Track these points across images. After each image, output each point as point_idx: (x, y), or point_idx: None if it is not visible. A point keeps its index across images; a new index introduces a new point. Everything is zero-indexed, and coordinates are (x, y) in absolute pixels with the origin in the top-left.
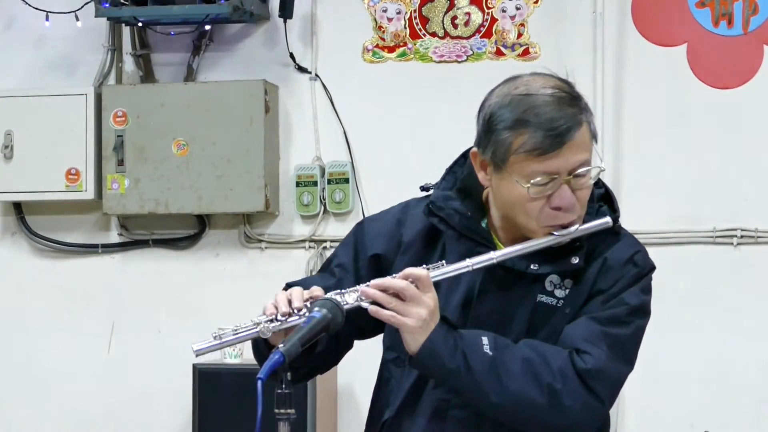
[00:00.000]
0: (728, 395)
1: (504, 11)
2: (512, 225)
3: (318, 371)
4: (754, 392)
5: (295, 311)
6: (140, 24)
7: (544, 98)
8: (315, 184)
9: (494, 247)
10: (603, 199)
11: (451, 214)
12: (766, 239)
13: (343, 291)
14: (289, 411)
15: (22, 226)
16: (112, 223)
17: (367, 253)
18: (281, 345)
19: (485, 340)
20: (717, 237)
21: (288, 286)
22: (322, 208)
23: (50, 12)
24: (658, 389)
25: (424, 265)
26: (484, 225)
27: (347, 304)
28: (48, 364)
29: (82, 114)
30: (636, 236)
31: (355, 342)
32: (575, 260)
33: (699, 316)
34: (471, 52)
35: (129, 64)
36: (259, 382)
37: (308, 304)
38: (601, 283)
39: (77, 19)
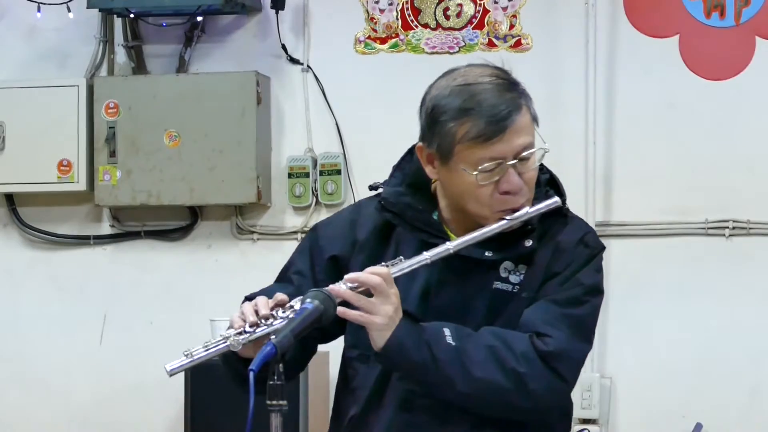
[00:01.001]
0: (720, 386)
1: (496, 2)
2: (463, 215)
3: (286, 379)
4: (746, 383)
5: (262, 321)
6: (132, 15)
7: (483, 86)
8: (307, 175)
9: (447, 238)
10: (549, 184)
11: (404, 208)
12: (758, 230)
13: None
14: (281, 402)
15: (14, 218)
16: (104, 214)
17: (324, 257)
18: (273, 337)
19: (447, 331)
20: (709, 228)
21: (247, 298)
22: (314, 199)
23: (42, 3)
24: (650, 380)
25: (384, 263)
26: (435, 217)
27: None
28: (40, 355)
29: (74, 105)
30: (628, 227)
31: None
32: (529, 243)
33: (691, 307)
34: (463, 44)
35: (121, 55)
36: (252, 374)
37: (275, 312)
38: (555, 265)
39: (69, 10)
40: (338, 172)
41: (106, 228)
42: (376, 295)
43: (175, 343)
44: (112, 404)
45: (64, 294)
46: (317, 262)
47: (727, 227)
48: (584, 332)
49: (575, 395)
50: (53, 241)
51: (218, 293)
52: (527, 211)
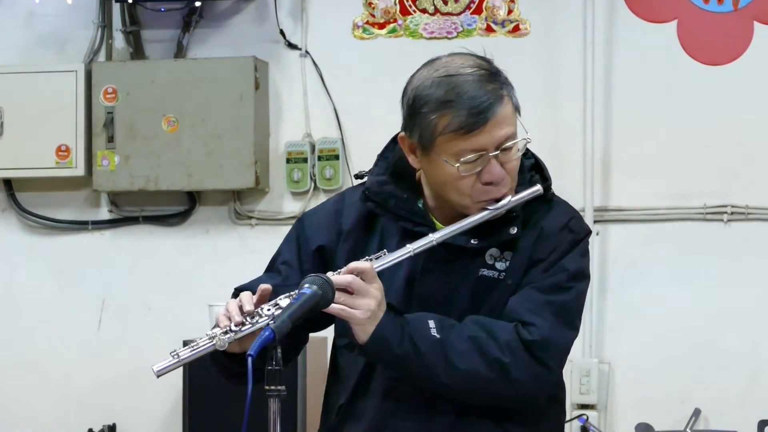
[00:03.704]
0: (718, 371)
1: None
2: (445, 204)
3: None
4: (745, 368)
5: (248, 319)
6: (130, 0)
7: (465, 77)
8: (305, 160)
9: (432, 226)
10: (534, 169)
11: (387, 197)
12: (757, 215)
13: (293, 293)
14: (279, 388)
15: (12, 203)
16: (102, 199)
17: (311, 247)
18: (272, 322)
19: (431, 323)
20: (707, 213)
21: (236, 290)
22: (312, 184)
23: None
24: (648, 366)
25: (367, 257)
26: (420, 205)
27: None
28: (38, 340)
29: (73, 91)
30: (626, 213)
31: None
32: (513, 230)
33: (689, 292)
34: (461, 29)
35: (119, 40)
36: (249, 359)
37: (260, 309)
38: (540, 252)
39: None
40: (336, 157)
41: (104, 213)
42: (356, 291)
43: (174, 328)
44: (110, 389)
45: (63, 279)
46: (304, 252)
47: (726, 212)
48: (569, 319)
49: (573, 381)
50: (51, 226)
51: (216, 278)
52: (509, 200)
